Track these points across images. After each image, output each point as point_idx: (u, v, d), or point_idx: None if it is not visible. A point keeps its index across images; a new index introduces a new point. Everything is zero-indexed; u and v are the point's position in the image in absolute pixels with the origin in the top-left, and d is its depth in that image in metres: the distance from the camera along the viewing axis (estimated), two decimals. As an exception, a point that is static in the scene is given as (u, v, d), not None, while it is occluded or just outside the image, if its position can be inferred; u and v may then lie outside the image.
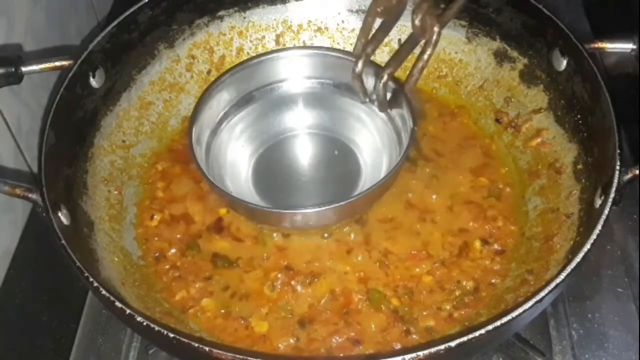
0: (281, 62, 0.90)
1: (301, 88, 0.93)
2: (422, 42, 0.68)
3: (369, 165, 0.89)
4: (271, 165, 0.90)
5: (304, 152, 0.93)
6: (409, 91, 0.73)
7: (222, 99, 0.88)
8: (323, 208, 0.76)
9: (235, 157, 0.90)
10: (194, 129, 0.83)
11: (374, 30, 0.73)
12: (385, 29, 0.73)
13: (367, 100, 0.75)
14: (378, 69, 0.75)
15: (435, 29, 0.65)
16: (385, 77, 0.71)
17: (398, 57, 0.73)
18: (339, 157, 0.91)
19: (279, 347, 0.76)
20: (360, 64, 0.72)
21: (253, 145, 0.92)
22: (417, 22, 0.65)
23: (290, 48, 0.96)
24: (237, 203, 0.80)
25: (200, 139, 0.85)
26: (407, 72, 0.70)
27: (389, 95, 0.78)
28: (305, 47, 0.99)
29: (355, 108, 0.90)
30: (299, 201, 0.87)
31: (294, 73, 0.92)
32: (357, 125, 0.91)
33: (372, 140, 0.90)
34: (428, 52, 0.66)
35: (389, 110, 0.84)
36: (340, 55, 0.90)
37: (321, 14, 1.00)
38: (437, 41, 0.66)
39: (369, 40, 0.73)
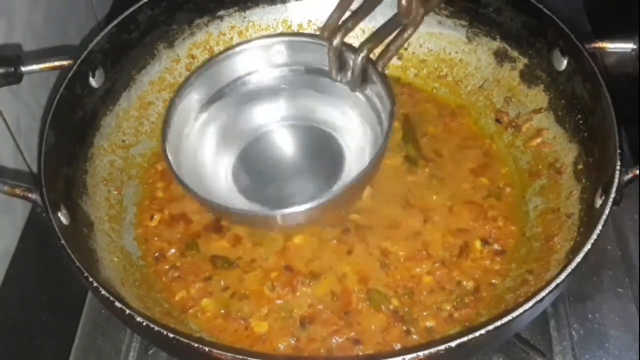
0: (248, 53, 0.85)
1: (272, 78, 0.87)
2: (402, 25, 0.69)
3: (352, 149, 0.84)
4: (251, 163, 0.86)
5: (284, 145, 0.88)
6: (382, 67, 0.72)
7: (192, 101, 0.83)
8: (312, 204, 0.71)
9: (213, 160, 0.85)
10: (168, 136, 0.79)
11: (356, 5, 0.72)
12: (369, 5, 0.72)
13: (339, 78, 0.74)
14: (353, 48, 0.73)
15: (420, 11, 0.67)
16: (365, 52, 0.70)
17: (377, 36, 0.72)
18: (320, 145, 0.86)
19: (279, 347, 0.76)
20: (338, 37, 0.71)
21: (229, 145, 0.87)
22: (403, 2, 0.66)
23: (256, 38, 0.89)
24: (222, 211, 0.77)
25: (176, 148, 0.80)
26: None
27: (362, 74, 0.75)
28: (270, 35, 0.95)
29: (330, 92, 0.85)
30: (286, 197, 0.83)
31: (263, 63, 0.86)
32: (335, 110, 0.86)
33: (352, 123, 0.85)
34: (409, 32, 0.68)
35: (365, 91, 0.80)
36: (309, 39, 0.85)
37: (321, 13, 0.99)
38: (419, 23, 0.68)
39: (351, 15, 0.72)
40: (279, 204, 0.75)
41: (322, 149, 0.86)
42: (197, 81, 0.83)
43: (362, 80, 0.76)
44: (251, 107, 0.88)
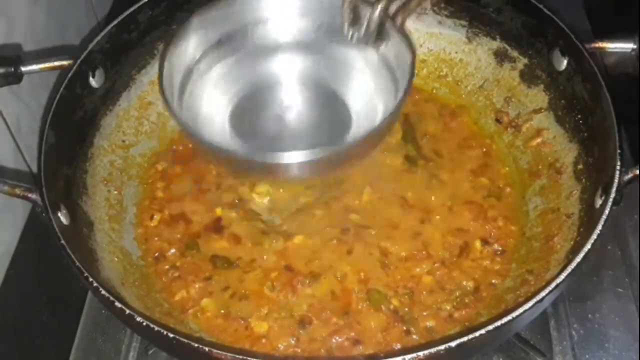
0: (259, 1, 0.80)
1: (281, 31, 0.82)
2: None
3: (362, 113, 0.80)
4: (252, 114, 0.81)
5: (290, 101, 0.83)
6: (401, 22, 0.70)
7: (197, 41, 0.78)
8: (316, 152, 0.67)
9: (212, 106, 0.80)
10: (164, 72, 0.74)
11: None
12: None
13: (351, 33, 0.72)
14: (369, 1, 0.71)
15: None
16: (383, 3, 0.68)
17: None
18: (326, 103, 0.82)
19: (279, 347, 0.76)
20: None
21: (231, 92, 0.82)
22: None
23: None
24: (219, 151, 0.72)
25: (172, 84, 0.75)
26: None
27: (378, 29, 0.73)
28: None
29: (346, 54, 0.80)
30: (285, 148, 0.75)
31: (279, 12, 0.81)
32: (349, 72, 0.81)
33: (365, 87, 0.80)
34: None
35: (379, 48, 0.77)
36: None
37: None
38: None
39: None
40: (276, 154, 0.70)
41: (327, 108, 0.82)
42: (202, 23, 0.78)
43: (377, 35, 0.73)
44: (256, 57, 0.83)
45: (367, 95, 0.80)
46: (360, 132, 0.76)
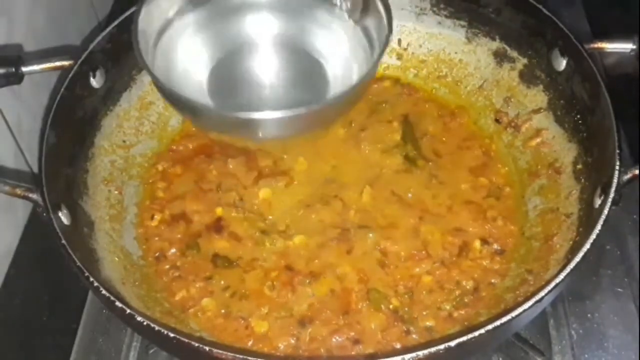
0: None
1: None
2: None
3: (339, 77, 0.79)
4: (229, 73, 0.80)
5: (268, 62, 0.82)
6: None
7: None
8: (288, 111, 0.66)
9: (188, 64, 0.79)
10: (139, 25, 0.71)
11: None
12: None
13: (339, 2, 0.72)
14: None
15: None
16: None
17: None
18: (303, 66, 0.80)
19: (279, 346, 0.76)
20: None
21: (209, 51, 0.80)
22: None
23: None
24: (193, 106, 0.70)
25: (146, 39, 0.73)
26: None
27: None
28: None
29: (328, 18, 0.80)
30: (260, 107, 0.76)
31: None
32: (328, 36, 0.80)
33: (344, 53, 0.80)
34: None
35: (363, 20, 0.77)
36: None
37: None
38: None
39: None
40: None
41: (304, 69, 0.80)
42: None
43: (363, 6, 0.73)
44: (234, 16, 0.81)
45: (343, 58, 0.79)
46: (336, 93, 0.76)
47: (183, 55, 0.78)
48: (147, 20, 0.73)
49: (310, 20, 0.81)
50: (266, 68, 0.81)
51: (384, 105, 0.97)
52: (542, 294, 0.64)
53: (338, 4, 0.72)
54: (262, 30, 0.82)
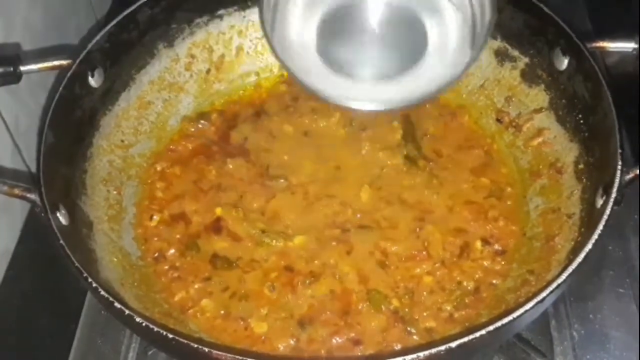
0: None
1: None
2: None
3: (437, 49, 0.78)
4: (338, 33, 0.80)
5: (372, 22, 0.81)
6: None
7: None
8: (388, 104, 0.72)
9: (299, 28, 0.79)
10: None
11: None
12: None
13: None
14: None
15: None
16: None
17: None
18: (408, 31, 0.80)
19: (279, 347, 0.76)
20: None
21: (317, 12, 0.80)
22: None
23: None
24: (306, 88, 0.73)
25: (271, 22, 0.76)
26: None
27: None
28: None
29: None
30: (362, 69, 0.79)
31: None
32: (436, 8, 0.80)
33: (447, 24, 0.79)
34: None
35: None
36: None
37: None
38: None
39: None
40: (354, 75, 0.76)
41: (407, 33, 0.80)
42: None
43: None
44: None
45: (445, 34, 0.79)
46: (430, 65, 0.77)
47: (295, 21, 0.79)
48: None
49: None
50: (371, 29, 0.81)
51: (384, 105, 0.97)
52: (543, 294, 0.63)
53: None
54: None
